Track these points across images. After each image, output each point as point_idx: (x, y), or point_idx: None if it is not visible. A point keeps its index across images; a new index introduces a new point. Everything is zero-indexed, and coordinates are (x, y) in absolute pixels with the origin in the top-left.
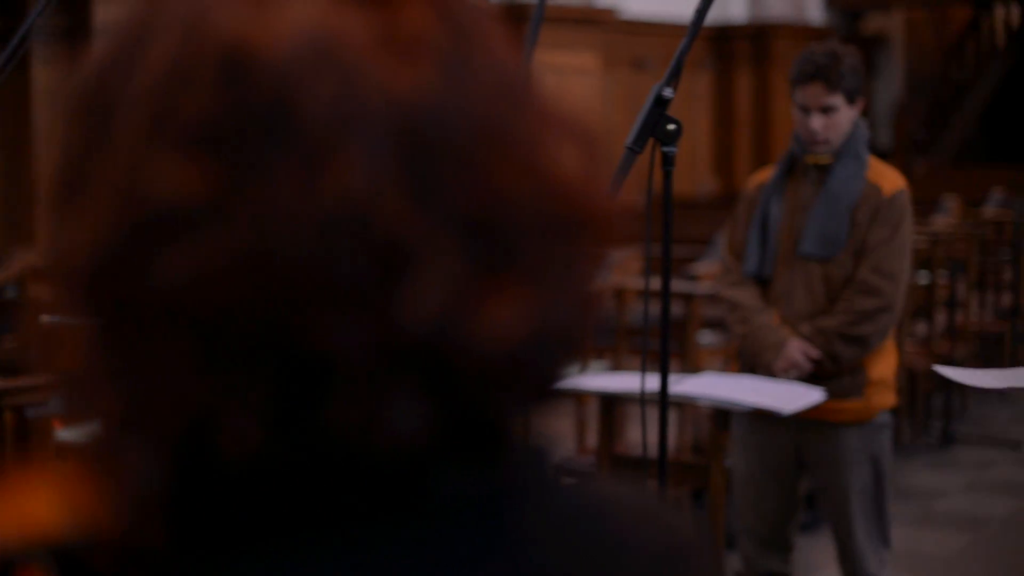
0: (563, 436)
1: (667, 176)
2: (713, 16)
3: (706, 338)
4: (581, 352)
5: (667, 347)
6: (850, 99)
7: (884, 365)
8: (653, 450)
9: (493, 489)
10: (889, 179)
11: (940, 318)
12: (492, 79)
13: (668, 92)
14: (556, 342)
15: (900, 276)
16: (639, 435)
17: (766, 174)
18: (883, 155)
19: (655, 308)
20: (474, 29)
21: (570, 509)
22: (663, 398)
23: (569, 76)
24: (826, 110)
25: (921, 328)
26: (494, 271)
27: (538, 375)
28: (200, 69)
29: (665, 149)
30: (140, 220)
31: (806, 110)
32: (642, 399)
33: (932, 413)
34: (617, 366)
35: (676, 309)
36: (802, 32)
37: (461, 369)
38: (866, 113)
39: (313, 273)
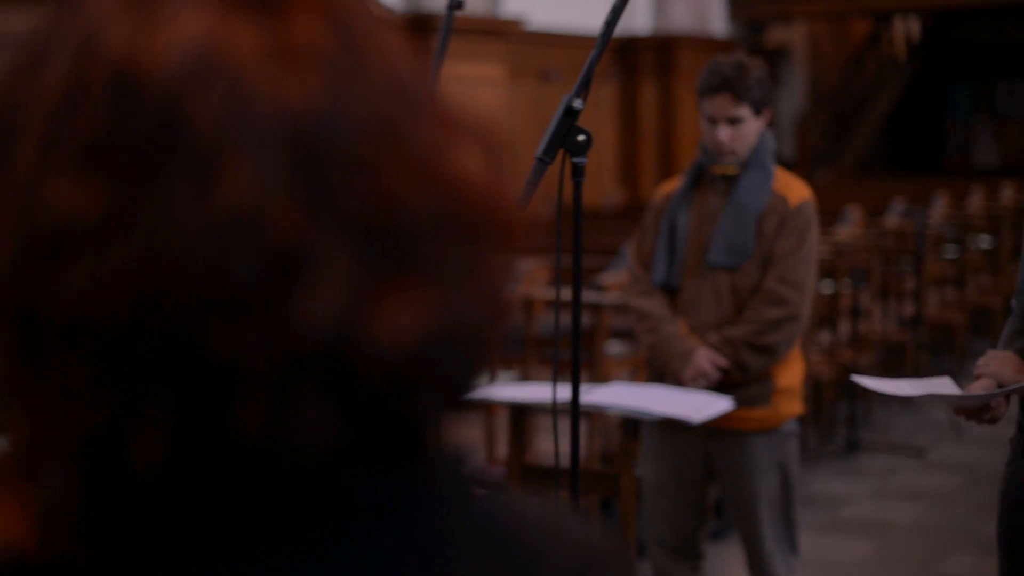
0: (473, 447)
1: (577, 187)
2: (618, 28)
3: (615, 348)
4: (490, 355)
5: (578, 357)
6: (757, 110)
7: (791, 374)
8: (565, 460)
9: (407, 495)
10: (795, 190)
11: (844, 327)
12: (386, 86)
13: (578, 103)
14: (462, 344)
15: (806, 286)
16: (549, 445)
17: (673, 184)
18: (786, 166)
19: (565, 318)
20: (368, 38)
21: (485, 518)
22: (574, 408)
23: (475, 87)
24: (733, 121)
25: (825, 337)
26: (392, 273)
27: (446, 377)
28: (91, 87)
29: (575, 160)
30: (37, 238)
31: (713, 121)
32: (554, 409)
33: (837, 421)
34: (526, 376)
35: (585, 319)
36: (705, 44)
37: (363, 372)
38: (770, 124)
39: (209, 283)
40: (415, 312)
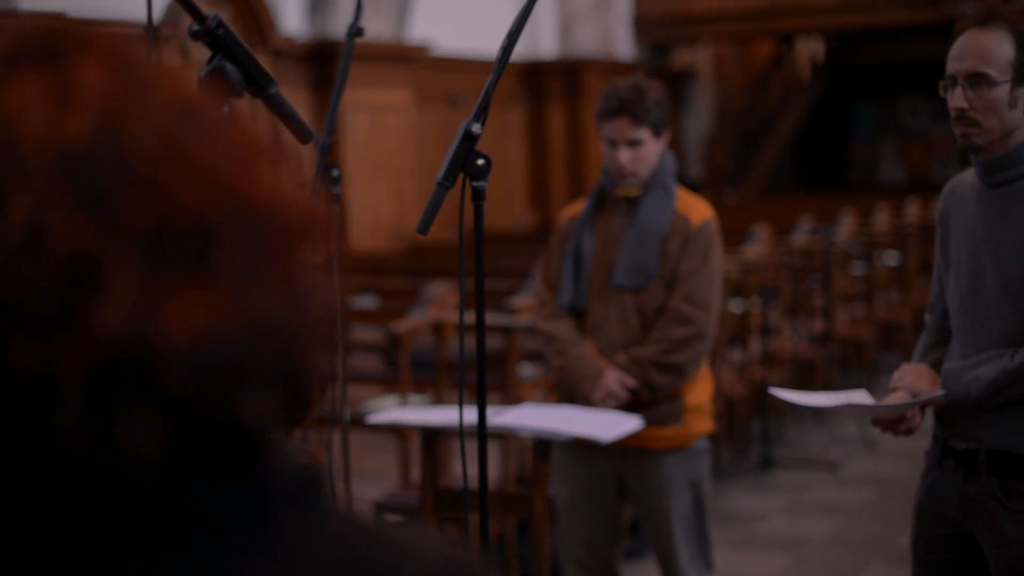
0: (387, 472)
1: (478, 210)
2: (524, 52)
3: (526, 371)
4: (317, 351)
5: (483, 380)
6: (656, 132)
7: (700, 392)
8: (476, 482)
9: (249, 501)
10: (697, 209)
11: (755, 345)
12: (168, 113)
13: (476, 128)
14: (268, 337)
15: (711, 304)
16: (468, 468)
17: (578, 207)
18: (694, 186)
19: (473, 342)
20: (148, 78)
21: (332, 530)
22: (481, 430)
23: (384, 113)
24: (633, 143)
25: (737, 355)
26: (183, 275)
27: (260, 373)
28: None
29: (475, 184)
30: None
31: (613, 144)
32: (460, 432)
33: (750, 438)
34: (439, 400)
35: (495, 342)
36: (612, 67)
37: (166, 371)
38: (677, 146)
39: (6, 304)
40: (205, 309)
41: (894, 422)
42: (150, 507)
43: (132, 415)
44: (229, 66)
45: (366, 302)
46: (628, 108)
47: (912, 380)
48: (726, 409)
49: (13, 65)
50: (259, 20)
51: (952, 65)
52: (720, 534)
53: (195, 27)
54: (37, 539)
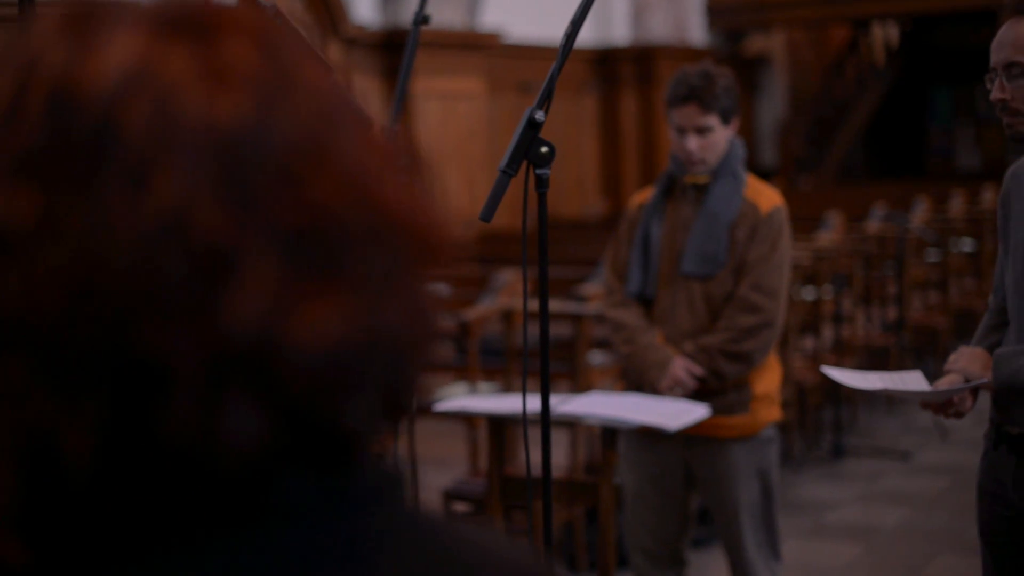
0: (456, 459)
1: (541, 198)
2: (597, 38)
3: (596, 358)
4: (424, 368)
5: (547, 367)
6: (725, 119)
7: (768, 380)
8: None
9: (341, 497)
10: (766, 196)
11: (827, 332)
12: (312, 105)
13: (540, 115)
14: (386, 352)
15: (780, 292)
16: (533, 455)
17: (646, 194)
18: (767, 173)
19: (552, 331)
20: (295, 63)
21: (417, 529)
22: (544, 418)
23: (455, 101)
24: (701, 131)
25: (809, 343)
26: (316, 278)
27: (372, 384)
28: (29, 105)
29: (539, 171)
30: None
31: (682, 131)
32: (524, 420)
33: (822, 426)
34: (507, 388)
35: (565, 330)
36: (685, 54)
37: (286, 373)
38: (750, 132)
39: (138, 285)
40: (337, 317)
41: (942, 405)
42: (241, 500)
43: (242, 408)
44: None
45: (437, 289)
46: (697, 95)
47: (966, 363)
48: (797, 397)
49: (164, 37)
50: (331, 9)
51: (992, 56)
52: (790, 523)
53: None
54: (124, 521)
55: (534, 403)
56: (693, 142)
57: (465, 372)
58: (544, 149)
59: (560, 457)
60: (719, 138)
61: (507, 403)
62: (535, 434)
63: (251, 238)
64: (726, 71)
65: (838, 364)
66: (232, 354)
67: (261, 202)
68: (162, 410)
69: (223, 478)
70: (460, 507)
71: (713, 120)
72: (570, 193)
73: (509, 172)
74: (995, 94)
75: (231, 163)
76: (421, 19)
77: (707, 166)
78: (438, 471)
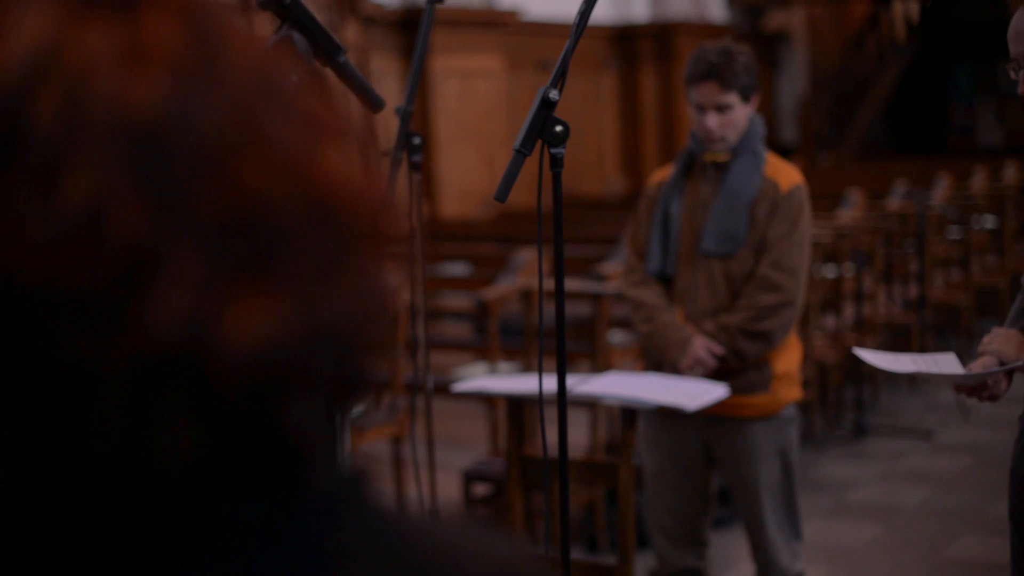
0: (477, 439)
1: (556, 177)
2: (616, 15)
3: (616, 337)
4: (374, 353)
5: (563, 347)
6: (745, 97)
7: (788, 359)
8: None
9: (292, 512)
10: (786, 175)
11: (848, 311)
12: (245, 86)
13: (554, 94)
14: (330, 343)
15: (800, 271)
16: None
17: (666, 172)
18: (788, 150)
19: (571, 311)
20: (226, 39)
21: (384, 537)
22: (561, 398)
23: (474, 79)
24: (721, 108)
25: (830, 321)
26: (250, 273)
27: (316, 380)
28: None
29: (553, 151)
30: None
31: (701, 108)
32: (540, 400)
33: (844, 405)
34: (528, 367)
35: (585, 309)
36: (704, 30)
37: (220, 378)
38: (770, 109)
39: (52, 292)
40: (272, 313)
41: (977, 388)
42: (183, 517)
43: (172, 419)
44: (296, 35)
45: (457, 269)
46: (716, 72)
47: (1000, 344)
48: (819, 376)
49: (79, 14)
50: None
51: (1011, 47)
52: (811, 502)
53: None
54: (60, 544)
55: (552, 383)
56: (713, 120)
57: (485, 352)
58: (558, 128)
59: (581, 437)
60: (739, 116)
61: (525, 383)
62: (553, 414)
63: (174, 235)
64: (745, 48)
65: (859, 342)
66: (159, 361)
67: (184, 195)
68: (87, 425)
69: (159, 498)
70: (480, 488)
71: (733, 98)
72: (590, 171)
73: (524, 151)
74: (1021, 87)
75: (149, 154)
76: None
77: (727, 144)
78: (459, 451)
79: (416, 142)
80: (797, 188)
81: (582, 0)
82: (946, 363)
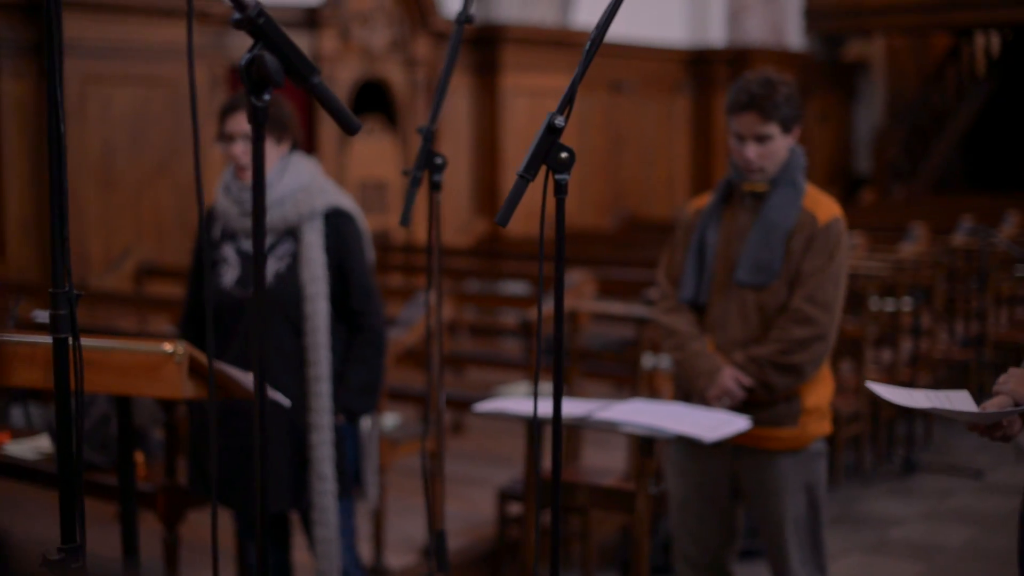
0: (518, 457)
1: (559, 203)
2: (692, 39)
3: (664, 362)
4: None
5: (561, 371)
6: (786, 128)
7: (819, 393)
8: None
9: None
10: (825, 207)
11: (905, 345)
12: None
13: (560, 121)
14: None
15: (834, 305)
16: (599, 460)
17: (703, 200)
18: (861, 180)
19: (615, 331)
20: None
21: None
22: (556, 424)
23: (544, 98)
24: (761, 139)
25: (886, 355)
26: None
27: None
28: None
29: (557, 177)
30: None
31: (741, 138)
32: (534, 422)
33: (894, 440)
34: (570, 387)
35: (630, 332)
36: (781, 57)
37: None
38: (846, 138)
39: None
40: None
41: (990, 428)
42: None
43: None
44: (268, 56)
45: (515, 288)
46: (757, 103)
47: (1016, 385)
48: (871, 410)
49: None
50: (421, 3)
51: None
52: (854, 537)
53: (236, 16)
54: None
55: (580, 407)
56: (752, 150)
57: (530, 370)
58: (564, 155)
59: (618, 461)
60: (779, 146)
61: (543, 405)
62: (593, 435)
63: None
64: (789, 79)
65: (914, 377)
66: None
67: None
68: None
69: None
70: (513, 507)
71: (773, 129)
72: (659, 194)
73: (527, 177)
74: None
75: None
76: (465, 19)
77: (765, 174)
78: (497, 468)
79: (438, 162)
80: (835, 221)
81: (594, 29)
82: (960, 400)
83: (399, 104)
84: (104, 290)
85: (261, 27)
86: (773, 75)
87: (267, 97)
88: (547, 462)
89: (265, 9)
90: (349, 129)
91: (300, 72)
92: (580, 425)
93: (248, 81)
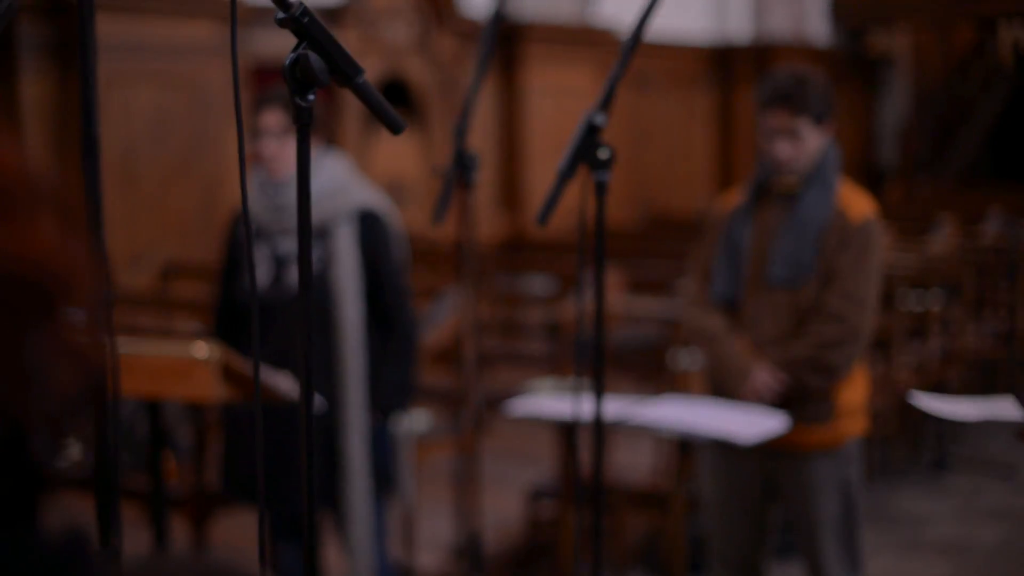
0: (549, 455)
1: (599, 203)
2: (715, 35)
3: (693, 359)
4: (38, 435)
5: (601, 372)
6: (817, 123)
7: (853, 392)
8: (622, 473)
9: (29, 547)
10: (858, 205)
11: (935, 342)
12: None
13: (600, 119)
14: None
15: (867, 303)
16: (625, 458)
17: (733, 197)
18: (886, 173)
19: (646, 330)
20: None
21: None
22: (598, 425)
23: (568, 96)
24: (791, 134)
25: (915, 352)
26: None
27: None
28: None
29: (598, 176)
30: None
31: (771, 134)
32: (574, 426)
33: (925, 438)
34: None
35: (655, 328)
36: (805, 52)
37: None
38: (871, 131)
39: None
40: None
41: None
42: None
43: None
44: (313, 56)
45: (539, 283)
46: (787, 98)
47: None
48: (901, 408)
49: None
50: (441, 1)
51: None
52: (885, 537)
53: (280, 15)
54: None
55: (620, 405)
56: (782, 146)
57: (558, 368)
58: (603, 154)
59: (644, 456)
60: (810, 143)
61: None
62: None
63: None
64: (819, 73)
65: (944, 374)
66: None
67: None
68: None
69: None
70: (544, 506)
71: (803, 124)
72: (681, 188)
73: (567, 175)
74: None
75: None
76: (500, 18)
77: (797, 172)
78: (528, 467)
79: (472, 161)
80: (868, 220)
81: (631, 34)
82: (1003, 410)
83: (421, 102)
84: (128, 289)
85: (306, 26)
86: (803, 70)
87: (311, 97)
88: (579, 462)
89: (309, 8)
90: (394, 129)
91: (345, 72)
92: (618, 427)
93: (292, 81)
